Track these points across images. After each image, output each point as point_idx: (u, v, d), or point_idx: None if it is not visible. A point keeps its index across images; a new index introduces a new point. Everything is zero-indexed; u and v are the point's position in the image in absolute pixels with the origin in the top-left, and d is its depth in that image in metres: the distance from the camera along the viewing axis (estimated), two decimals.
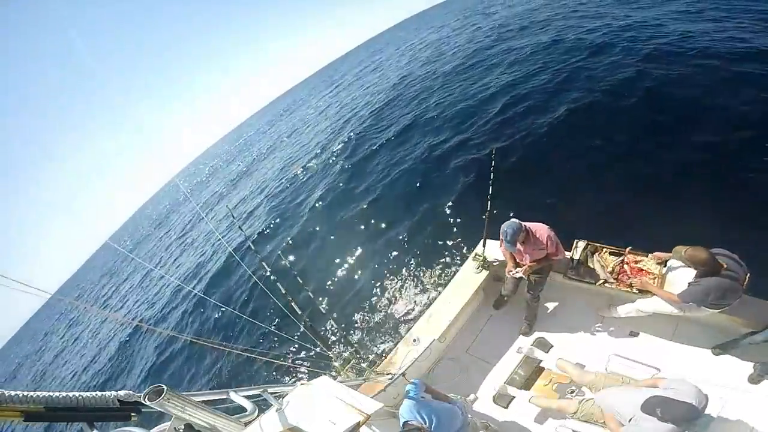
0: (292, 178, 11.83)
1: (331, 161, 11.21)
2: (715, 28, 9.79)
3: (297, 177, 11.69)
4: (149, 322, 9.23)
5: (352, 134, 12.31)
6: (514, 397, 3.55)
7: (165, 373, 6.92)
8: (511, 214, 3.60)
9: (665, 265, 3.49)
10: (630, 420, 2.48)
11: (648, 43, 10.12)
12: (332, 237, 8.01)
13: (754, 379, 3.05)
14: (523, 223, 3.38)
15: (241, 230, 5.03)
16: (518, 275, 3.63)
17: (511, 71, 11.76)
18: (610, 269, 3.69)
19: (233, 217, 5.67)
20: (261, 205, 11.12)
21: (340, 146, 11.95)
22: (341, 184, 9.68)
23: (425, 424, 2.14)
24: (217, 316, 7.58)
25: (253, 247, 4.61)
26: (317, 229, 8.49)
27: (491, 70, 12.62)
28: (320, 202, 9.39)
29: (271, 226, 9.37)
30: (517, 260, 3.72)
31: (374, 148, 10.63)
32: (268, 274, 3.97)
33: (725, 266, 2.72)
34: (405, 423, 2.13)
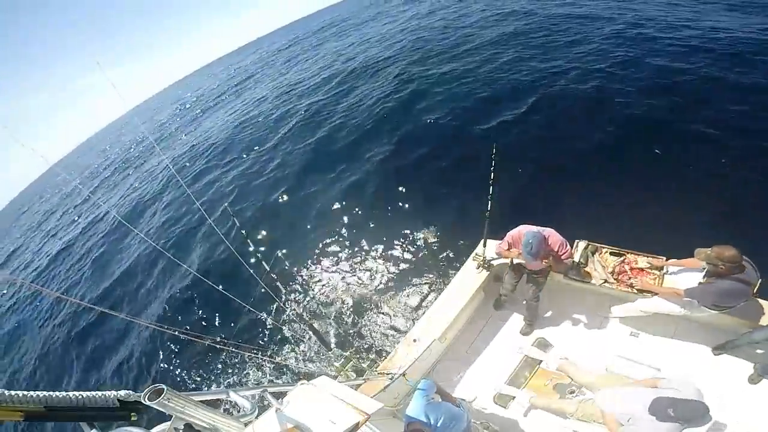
0: (279, 169, 11.64)
1: (327, 153, 11.16)
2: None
3: (287, 169, 11.49)
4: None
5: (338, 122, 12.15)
6: (514, 397, 3.55)
7: (159, 371, 6.93)
8: (511, 226, 3.56)
9: (663, 268, 3.49)
10: (629, 420, 2.48)
11: (667, 39, 10.16)
12: (332, 236, 8.01)
13: (754, 380, 3.05)
14: (541, 231, 3.19)
15: (235, 218, 5.01)
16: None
17: (513, 64, 11.76)
18: (610, 269, 3.69)
19: (233, 216, 5.63)
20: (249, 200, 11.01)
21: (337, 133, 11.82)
22: (339, 181, 9.67)
23: (431, 424, 2.14)
24: (211, 312, 7.59)
25: (252, 247, 4.62)
26: (317, 226, 8.49)
27: (486, 58, 12.58)
28: (316, 199, 9.39)
29: (264, 223, 9.38)
30: (517, 261, 3.69)
31: (370, 142, 10.63)
32: (268, 271, 3.98)
33: (744, 272, 2.72)
34: (409, 423, 2.13)
